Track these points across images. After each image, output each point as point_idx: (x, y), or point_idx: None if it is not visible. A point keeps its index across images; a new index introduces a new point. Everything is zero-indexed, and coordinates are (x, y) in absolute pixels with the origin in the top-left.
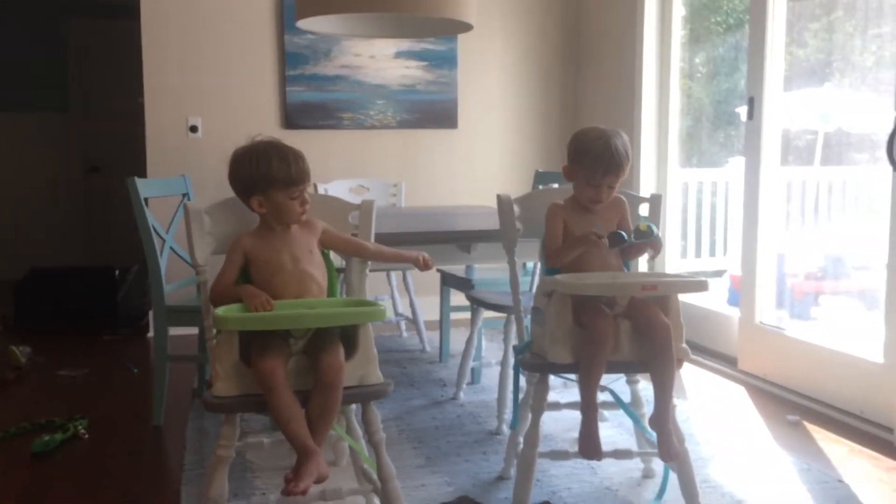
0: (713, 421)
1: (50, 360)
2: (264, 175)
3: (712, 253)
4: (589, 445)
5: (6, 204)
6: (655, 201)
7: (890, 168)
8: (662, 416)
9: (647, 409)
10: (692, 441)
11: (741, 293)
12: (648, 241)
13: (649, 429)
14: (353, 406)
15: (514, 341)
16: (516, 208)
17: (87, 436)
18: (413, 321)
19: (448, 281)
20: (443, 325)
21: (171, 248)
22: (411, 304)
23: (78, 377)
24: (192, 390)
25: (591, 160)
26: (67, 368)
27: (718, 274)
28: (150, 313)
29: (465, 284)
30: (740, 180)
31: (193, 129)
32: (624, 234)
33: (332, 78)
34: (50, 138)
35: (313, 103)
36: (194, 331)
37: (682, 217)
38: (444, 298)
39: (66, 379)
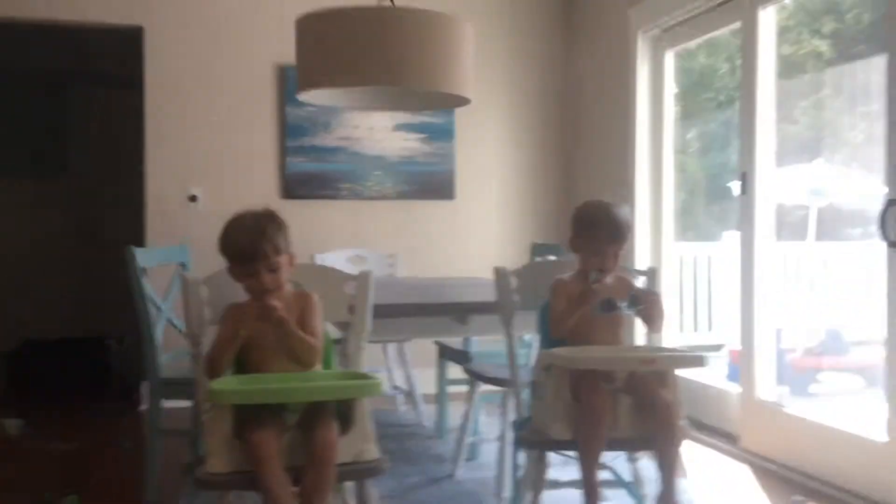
0: (716, 501)
1: (42, 433)
2: (223, 250)
3: (710, 327)
4: None
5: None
6: (651, 274)
7: (883, 243)
8: (669, 496)
9: (650, 487)
10: None
11: (741, 369)
12: (637, 308)
13: None
14: (350, 483)
15: (512, 416)
16: (513, 280)
17: None
18: (410, 394)
19: (445, 353)
20: (440, 398)
21: (168, 319)
22: (408, 377)
23: (70, 450)
24: (185, 465)
25: (595, 229)
26: (59, 441)
27: (717, 348)
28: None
29: (462, 357)
30: (736, 254)
31: (193, 198)
32: (616, 301)
33: (331, 149)
34: (45, 204)
35: (312, 173)
36: (189, 403)
37: (679, 290)
38: (441, 371)
39: (59, 452)
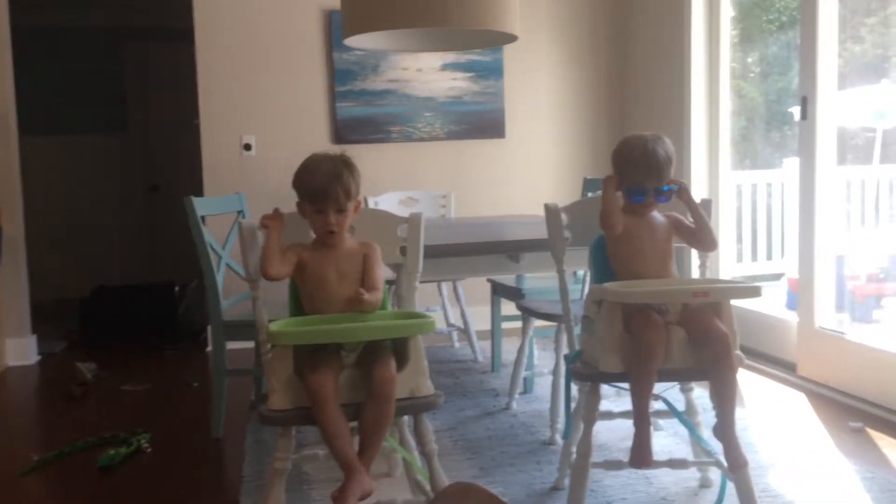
0: (772, 428)
1: (114, 376)
2: (297, 185)
3: (769, 256)
4: (640, 457)
5: (72, 224)
6: (705, 206)
7: None
8: (727, 427)
9: (703, 417)
10: (751, 449)
11: (799, 297)
12: (665, 192)
13: (704, 437)
14: (406, 418)
15: (565, 350)
16: (564, 217)
17: (149, 450)
18: (465, 331)
19: (499, 290)
20: (494, 334)
21: (227, 264)
22: (462, 315)
23: (141, 392)
24: (250, 403)
25: (632, 166)
26: (131, 383)
27: (776, 277)
28: (209, 328)
29: (515, 294)
30: (796, 181)
31: (247, 147)
32: (643, 187)
33: (380, 92)
34: (111, 159)
35: (362, 118)
36: (252, 344)
37: (737, 220)
38: (495, 308)
39: (130, 393)
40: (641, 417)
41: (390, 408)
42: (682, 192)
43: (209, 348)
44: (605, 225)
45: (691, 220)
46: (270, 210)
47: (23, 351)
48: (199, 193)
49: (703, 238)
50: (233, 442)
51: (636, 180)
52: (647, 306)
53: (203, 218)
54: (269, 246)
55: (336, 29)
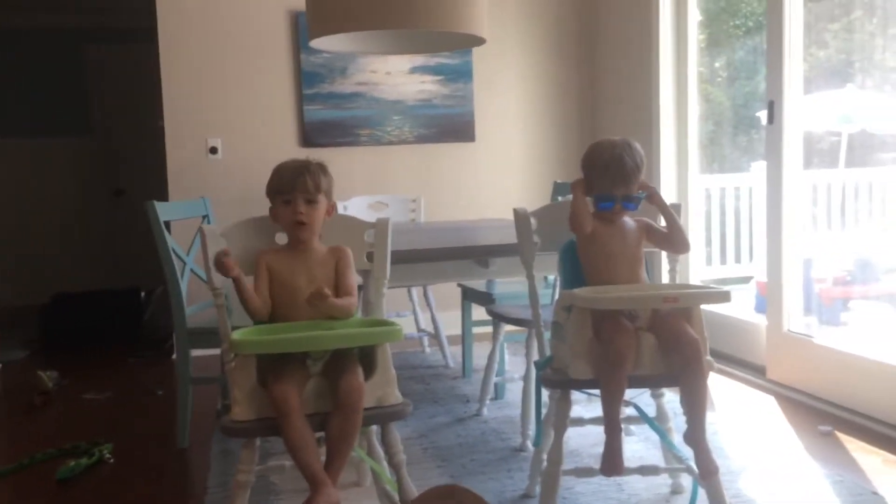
0: (742, 433)
1: (76, 384)
2: (268, 187)
3: (738, 260)
4: (611, 464)
5: (33, 229)
6: (675, 210)
7: None
8: (698, 433)
9: (674, 422)
10: (721, 454)
11: (768, 300)
12: (636, 199)
13: (675, 444)
14: (375, 427)
15: (535, 356)
16: (533, 221)
17: (111, 460)
18: (435, 336)
19: (469, 295)
20: (465, 339)
21: (192, 270)
22: (433, 320)
23: (104, 400)
24: (216, 412)
25: (599, 173)
26: (93, 392)
27: (745, 281)
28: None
29: (485, 299)
30: (764, 185)
31: (213, 150)
32: (612, 195)
33: (348, 95)
34: (74, 163)
35: (331, 121)
36: (219, 351)
37: (706, 224)
38: (465, 313)
39: (93, 402)
40: (612, 424)
41: (357, 418)
42: (653, 195)
43: (175, 355)
44: (574, 227)
45: (662, 223)
46: (237, 215)
47: None
48: (165, 197)
49: (675, 240)
50: (198, 452)
51: (603, 187)
52: (617, 312)
53: (167, 223)
54: (242, 291)
55: (303, 31)
